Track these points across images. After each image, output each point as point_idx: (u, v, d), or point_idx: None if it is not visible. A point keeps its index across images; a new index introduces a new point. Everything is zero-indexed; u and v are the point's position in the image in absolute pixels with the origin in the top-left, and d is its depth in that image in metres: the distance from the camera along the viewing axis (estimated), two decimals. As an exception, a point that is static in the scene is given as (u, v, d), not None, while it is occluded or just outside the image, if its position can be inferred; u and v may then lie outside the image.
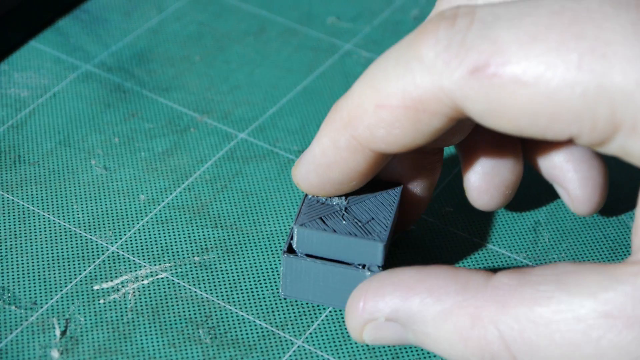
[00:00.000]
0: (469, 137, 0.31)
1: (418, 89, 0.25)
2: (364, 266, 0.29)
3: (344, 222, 0.29)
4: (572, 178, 0.30)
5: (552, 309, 0.24)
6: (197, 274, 0.31)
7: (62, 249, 0.32)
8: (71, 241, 0.32)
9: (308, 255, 0.29)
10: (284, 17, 0.41)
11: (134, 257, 0.32)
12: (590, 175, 0.30)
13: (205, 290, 0.31)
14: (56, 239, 0.32)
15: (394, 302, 0.26)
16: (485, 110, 0.25)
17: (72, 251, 0.32)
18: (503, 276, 0.25)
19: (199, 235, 0.32)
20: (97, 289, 0.31)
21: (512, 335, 0.25)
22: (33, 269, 0.31)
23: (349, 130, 0.27)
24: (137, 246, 0.32)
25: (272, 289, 0.31)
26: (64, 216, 0.33)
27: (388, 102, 0.26)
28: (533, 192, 0.34)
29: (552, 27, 0.24)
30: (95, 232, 0.32)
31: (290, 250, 0.29)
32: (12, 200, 0.33)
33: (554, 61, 0.24)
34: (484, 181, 0.31)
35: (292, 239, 0.29)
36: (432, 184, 0.31)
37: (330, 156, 0.28)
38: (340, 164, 0.28)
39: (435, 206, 0.34)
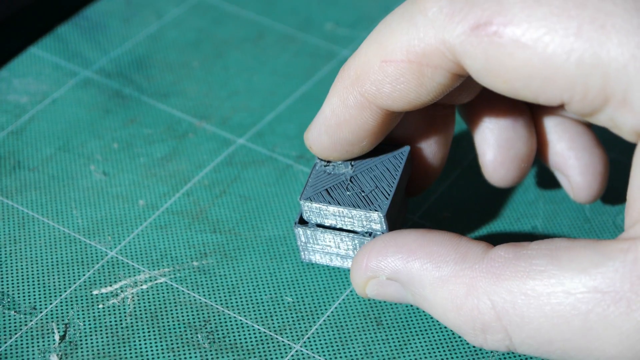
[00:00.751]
0: (480, 111, 0.31)
1: (421, 43, 0.26)
2: (370, 234, 0.30)
3: (348, 192, 0.30)
4: (573, 165, 0.31)
5: (544, 282, 0.25)
6: (195, 278, 0.31)
7: (61, 254, 0.32)
8: (70, 246, 0.32)
9: (318, 225, 0.30)
10: (283, 24, 0.41)
11: (133, 262, 0.32)
12: (592, 163, 0.31)
13: (204, 295, 0.31)
14: (55, 244, 0.32)
15: (395, 263, 0.27)
16: (483, 68, 0.25)
17: (72, 256, 0.32)
18: (500, 249, 0.26)
19: (197, 240, 0.33)
20: (96, 294, 0.31)
21: (504, 307, 0.25)
22: (32, 274, 0.31)
23: (357, 88, 0.28)
24: (136, 251, 0.32)
25: (270, 294, 0.31)
26: (63, 221, 0.33)
27: (393, 57, 0.27)
28: (530, 197, 0.34)
29: None
30: (94, 237, 0.33)
31: (302, 221, 0.30)
32: (12, 205, 0.33)
33: (554, 26, 0.24)
34: (500, 154, 0.31)
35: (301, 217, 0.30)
36: (446, 140, 0.32)
37: (340, 115, 0.29)
38: (350, 123, 0.29)
39: (433, 211, 0.34)
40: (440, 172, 0.32)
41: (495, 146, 0.31)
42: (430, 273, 0.27)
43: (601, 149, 0.31)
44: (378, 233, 0.30)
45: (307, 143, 0.30)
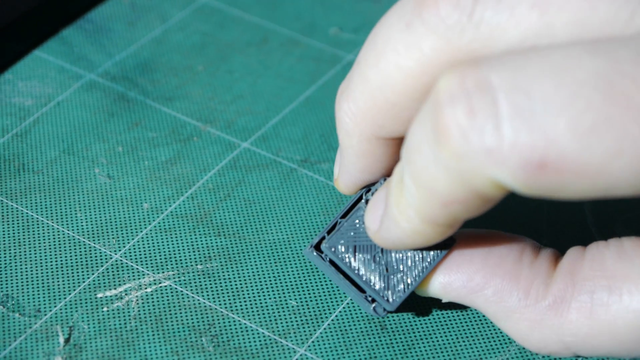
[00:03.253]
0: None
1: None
2: (373, 300, 0.28)
3: (373, 263, 0.28)
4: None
5: (610, 315, 0.25)
6: (200, 282, 0.31)
7: (65, 257, 0.32)
8: (75, 249, 0.32)
9: (331, 261, 0.29)
10: (287, 28, 0.41)
11: (137, 265, 0.32)
12: None
13: (208, 299, 0.31)
14: (60, 247, 0.32)
15: (457, 293, 0.28)
16: (530, 193, 0.23)
17: (76, 259, 0.32)
18: (559, 281, 0.26)
19: (202, 244, 0.33)
20: (101, 297, 0.31)
21: (574, 342, 0.26)
22: (37, 277, 0.31)
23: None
24: (140, 254, 0.32)
25: (274, 297, 0.31)
26: (67, 224, 0.33)
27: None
28: (534, 203, 0.34)
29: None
30: (98, 240, 0.33)
31: (318, 245, 0.29)
32: (16, 208, 0.34)
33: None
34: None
35: (323, 239, 0.29)
36: None
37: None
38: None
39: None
40: None
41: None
42: (495, 306, 0.27)
43: None
44: (380, 309, 0.28)
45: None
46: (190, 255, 0.32)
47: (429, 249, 0.28)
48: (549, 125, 0.21)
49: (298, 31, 0.41)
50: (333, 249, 0.28)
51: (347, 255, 0.28)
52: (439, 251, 0.28)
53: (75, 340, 0.30)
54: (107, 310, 0.30)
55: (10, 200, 0.34)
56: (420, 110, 0.24)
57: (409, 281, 0.28)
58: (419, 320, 0.31)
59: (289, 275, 0.32)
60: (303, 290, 0.31)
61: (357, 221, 0.29)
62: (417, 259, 0.28)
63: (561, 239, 0.33)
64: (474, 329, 0.30)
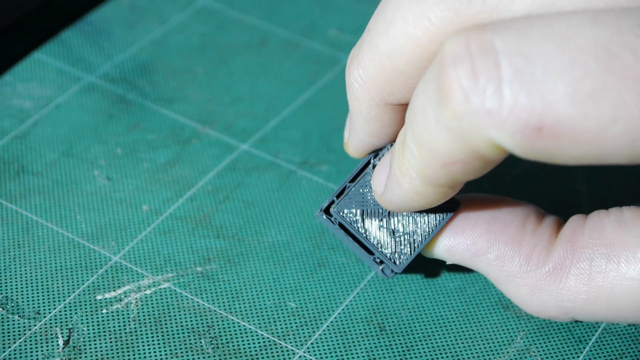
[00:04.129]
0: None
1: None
2: (381, 262, 0.29)
3: (381, 226, 0.29)
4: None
5: (608, 281, 0.26)
6: (199, 284, 0.31)
7: (65, 259, 0.32)
8: (74, 251, 0.32)
9: (340, 225, 0.29)
10: (286, 30, 0.41)
11: (136, 267, 0.32)
12: None
13: (208, 301, 0.31)
14: (59, 249, 0.32)
15: (461, 256, 0.29)
16: (528, 156, 0.24)
17: (75, 261, 0.32)
18: (560, 248, 0.28)
19: (201, 246, 0.33)
20: (100, 299, 0.31)
21: (572, 307, 0.27)
22: (36, 279, 0.31)
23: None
24: (139, 256, 0.32)
25: (274, 299, 0.31)
26: (67, 226, 0.33)
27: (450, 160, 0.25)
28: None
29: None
30: (98, 242, 0.33)
31: (328, 209, 0.30)
32: (16, 210, 0.34)
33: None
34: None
35: (332, 203, 0.29)
36: None
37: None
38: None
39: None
40: None
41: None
42: (497, 270, 0.28)
43: None
44: (388, 270, 0.29)
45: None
46: (189, 257, 0.32)
47: (434, 212, 0.29)
48: (547, 90, 0.22)
49: (297, 33, 0.41)
50: (342, 213, 0.29)
51: (355, 219, 0.29)
52: (444, 214, 0.29)
53: (74, 342, 0.30)
54: (107, 312, 0.30)
55: (10, 203, 0.34)
56: (425, 72, 0.25)
57: (415, 244, 0.29)
58: (418, 322, 0.31)
59: (288, 277, 0.32)
60: (302, 292, 0.31)
61: (364, 186, 0.30)
62: (423, 222, 0.29)
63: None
64: (473, 330, 0.30)
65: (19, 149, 0.36)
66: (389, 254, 0.29)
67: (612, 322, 0.28)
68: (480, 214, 0.29)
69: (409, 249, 0.29)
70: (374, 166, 0.30)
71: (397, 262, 0.29)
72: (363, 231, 0.29)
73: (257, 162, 0.36)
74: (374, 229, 0.29)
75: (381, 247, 0.29)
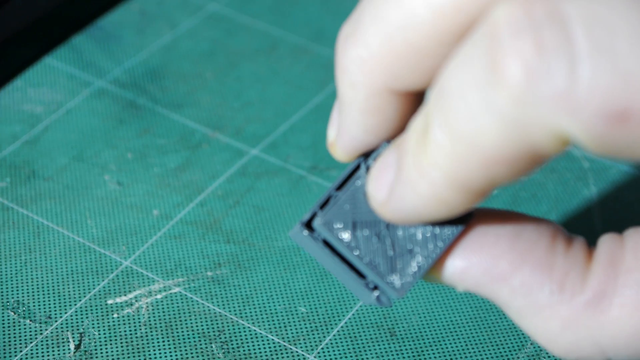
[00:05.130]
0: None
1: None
2: (375, 287, 0.23)
3: (376, 242, 0.23)
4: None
5: None
6: (209, 288, 0.32)
7: (76, 263, 0.32)
8: (85, 256, 0.32)
9: (325, 241, 0.23)
10: (296, 35, 0.42)
11: (147, 271, 0.32)
12: None
13: (218, 305, 0.31)
14: (70, 254, 0.32)
15: (477, 280, 0.23)
16: (599, 149, 0.19)
17: (86, 266, 0.32)
18: (598, 271, 0.22)
19: (211, 250, 0.33)
20: (111, 304, 0.31)
21: (612, 345, 0.22)
22: (47, 284, 0.32)
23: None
24: (150, 261, 0.32)
25: (284, 304, 0.31)
26: (78, 231, 0.33)
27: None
28: (543, 209, 0.34)
29: None
30: (109, 247, 0.33)
31: (310, 224, 0.23)
32: (27, 215, 0.34)
33: None
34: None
35: (315, 215, 0.23)
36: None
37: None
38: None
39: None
40: None
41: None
42: (522, 300, 0.23)
43: None
44: (385, 298, 0.23)
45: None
46: (200, 262, 0.32)
47: (442, 224, 0.23)
48: (636, 67, 0.18)
49: (307, 38, 0.41)
50: (327, 226, 0.23)
51: (344, 233, 0.23)
52: (455, 227, 0.23)
53: (85, 346, 0.30)
54: (117, 317, 0.31)
55: (21, 207, 0.34)
56: (462, 44, 0.20)
57: (419, 262, 0.23)
58: (429, 327, 0.31)
59: (298, 281, 0.32)
60: (312, 297, 0.31)
61: (356, 192, 0.24)
62: (429, 235, 0.23)
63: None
64: (484, 336, 0.30)
65: (30, 153, 0.36)
66: (386, 277, 0.23)
67: None
68: (501, 229, 0.23)
69: (411, 269, 0.23)
70: (367, 169, 0.24)
71: (397, 285, 0.23)
72: (354, 247, 0.23)
73: (267, 167, 0.36)
74: (367, 245, 0.23)
75: (376, 267, 0.23)
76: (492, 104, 0.19)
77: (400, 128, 0.24)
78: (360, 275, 0.23)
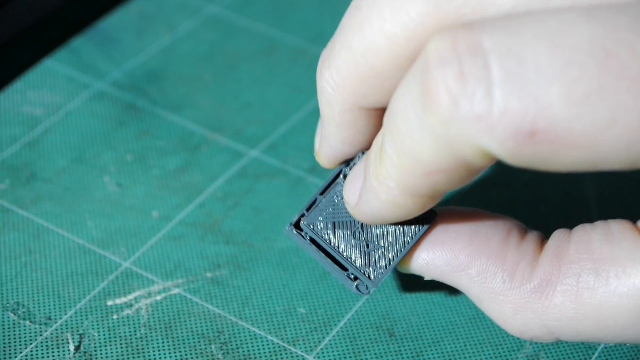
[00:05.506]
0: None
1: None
2: (355, 277, 0.27)
3: (353, 239, 0.27)
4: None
5: (597, 297, 0.25)
6: (209, 289, 0.32)
7: (76, 265, 0.32)
8: (85, 257, 0.32)
9: (311, 239, 0.28)
10: (294, 37, 0.42)
11: (146, 273, 0.32)
12: None
13: (218, 306, 0.31)
14: (70, 255, 0.33)
15: (441, 270, 0.27)
16: (516, 162, 0.23)
17: (86, 267, 0.32)
18: (545, 264, 0.26)
19: (211, 252, 0.33)
20: (111, 305, 0.31)
21: (557, 326, 0.25)
22: (47, 285, 0.32)
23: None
24: (150, 262, 0.32)
25: (283, 305, 0.31)
26: (77, 232, 0.33)
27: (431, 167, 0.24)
28: (542, 210, 0.34)
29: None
30: (108, 248, 0.33)
31: (298, 223, 0.28)
32: (26, 216, 0.34)
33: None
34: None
35: (302, 216, 0.28)
36: None
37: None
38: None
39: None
40: None
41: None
42: (478, 287, 0.26)
43: None
44: (363, 287, 0.27)
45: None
46: (199, 263, 0.32)
47: (410, 223, 0.27)
48: (541, 91, 0.21)
49: (305, 40, 0.41)
50: (312, 226, 0.28)
51: (326, 232, 0.27)
52: (420, 225, 0.27)
53: (85, 347, 0.30)
54: (117, 318, 0.31)
55: (21, 209, 0.34)
56: (406, 74, 0.23)
57: (390, 257, 0.27)
58: (428, 328, 0.31)
59: (297, 282, 0.32)
60: (311, 298, 0.32)
61: (335, 196, 0.28)
62: (398, 233, 0.27)
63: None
64: (482, 336, 0.31)
65: (30, 155, 0.36)
66: (362, 269, 0.27)
67: (599, 342, 0.27)
68: (461, 226, 0.27)
69: (384, 263, 0.27)
70: (344, 176, 0.28)
71: (372, 277, 0.27)
72: (335, 245, 0.27)
73: (266, 168, 0.36)
74: (346, 243, 0.27)
75: (354, 261, 0.27)
76: (426, 124, 0.22)
77: (373, 139, 0.26)
78: (343, 267, 0.27)
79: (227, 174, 0.36)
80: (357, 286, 0.27)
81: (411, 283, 0.32)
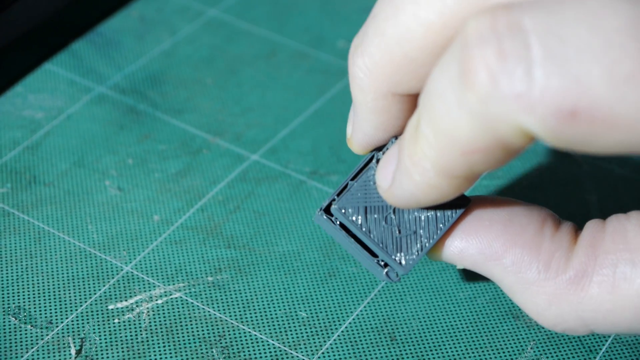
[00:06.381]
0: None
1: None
2: (385, 264, 0.27)
3: (385, 224, 0.27)
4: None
5: (634, 288, 0.24)
6: (210, 293, 0.32)
7: (77, 268, 0.32)
8: (86, 261, 0.32)
9: (341, 225, 0.27)
10: (295, 41, 0.42)
11: (148, 277, 0.32)
12: None
13: (219, 310, 0.31)
14: (71, 259, 0.33)
15: (474, 259, 0.27)
16: (558, 143, 0.23)
17: (87, 271, 0.32)
18: (581, 254, 0.25)
19: (212, 256, 0.33)
20: (112, 309, 0.31)
21: (593, 318, 0.25)
22: (48, 289, 0.32)
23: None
24: (151, 266, 0.32)
25: (284, 309, 0.31)
26: (78, 236, 0.33)
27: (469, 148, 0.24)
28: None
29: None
30: (109, 252, 0.33)
31: (328, 208, 0.27)
32: (28, 220, 0.34)
33: None
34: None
35: (332, 201, 0.27)
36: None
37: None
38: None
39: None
40: None
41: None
42: (512, 277, 0.26)
43: None
44: (393, 273, 0.27)
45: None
46: (200, 267, 0.32)
47: (443, 208, 0.27)
48: (582, 72, 0.21)
49: (306, 44, 0.42)
50: (343, 211, 0.27)
51: (357, 217, 0.27)
52: (454, 211, 0.27)
53: (86, 351, 0.30)
54: (118, 322, 0.31)
55: (22, 213, 0.34)
56: (443, 54, 0.23)
57: (423, 242, 0.27)
58: (429, 332, 0.31)
59: (299, 286, 0.32)
60: (313, 302, 0.31)
61: (368, 181, 0.27)
62: (431, 219, 0.27)
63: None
64: (484, 340, 0.31)
65: (31, 159, 0.36)
66: (393, 254, 0.27)
67: (634, 334, 0.27)
68: (495, 215, 0.27)
69: (415, 249, 0.27)
70: (377, 160, 0.28)
71: (403, 263, 0.27)
72: (366, 229, 0.27)
73: (267, 172, 0.36)
74: (377, 228, 0.27)
75: (385, 247, 0.27)
76: (464, 103, 0.22)
77: (406, 125, 0.26)
78: (373, 254, 0.27)
79: (228, 177, 0.36)
80: (387, 273, 0.27)
81: (412, 287, 0.32)
